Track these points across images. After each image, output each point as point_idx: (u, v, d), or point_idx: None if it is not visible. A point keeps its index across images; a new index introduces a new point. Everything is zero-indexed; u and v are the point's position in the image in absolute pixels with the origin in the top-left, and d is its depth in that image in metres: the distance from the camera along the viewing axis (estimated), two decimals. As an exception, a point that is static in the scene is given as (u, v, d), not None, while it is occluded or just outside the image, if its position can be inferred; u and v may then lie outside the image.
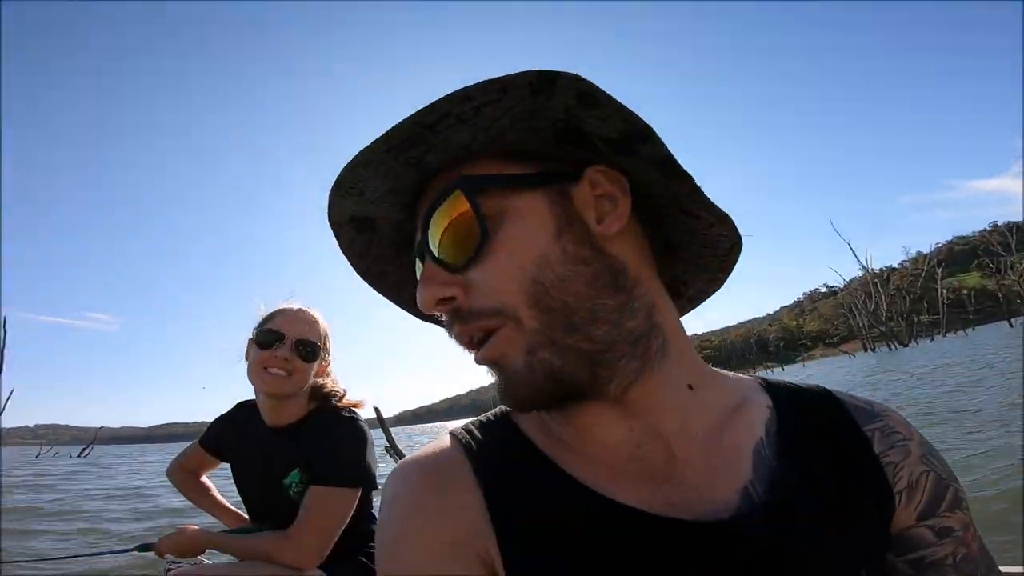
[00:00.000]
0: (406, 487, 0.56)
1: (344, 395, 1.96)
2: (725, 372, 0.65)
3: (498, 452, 0.57)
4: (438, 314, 0.55)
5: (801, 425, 0.59)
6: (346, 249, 0.63)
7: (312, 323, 1.91)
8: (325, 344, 1.94)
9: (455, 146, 0.52)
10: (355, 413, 1.91)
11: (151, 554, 1.89)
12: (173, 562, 1.85)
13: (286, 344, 1.82)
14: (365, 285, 0.67)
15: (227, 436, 2.07)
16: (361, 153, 0.51)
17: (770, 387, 0.64)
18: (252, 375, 1.84)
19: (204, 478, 2.23)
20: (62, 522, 7.61)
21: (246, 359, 1.89)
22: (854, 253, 76.83)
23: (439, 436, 0.61)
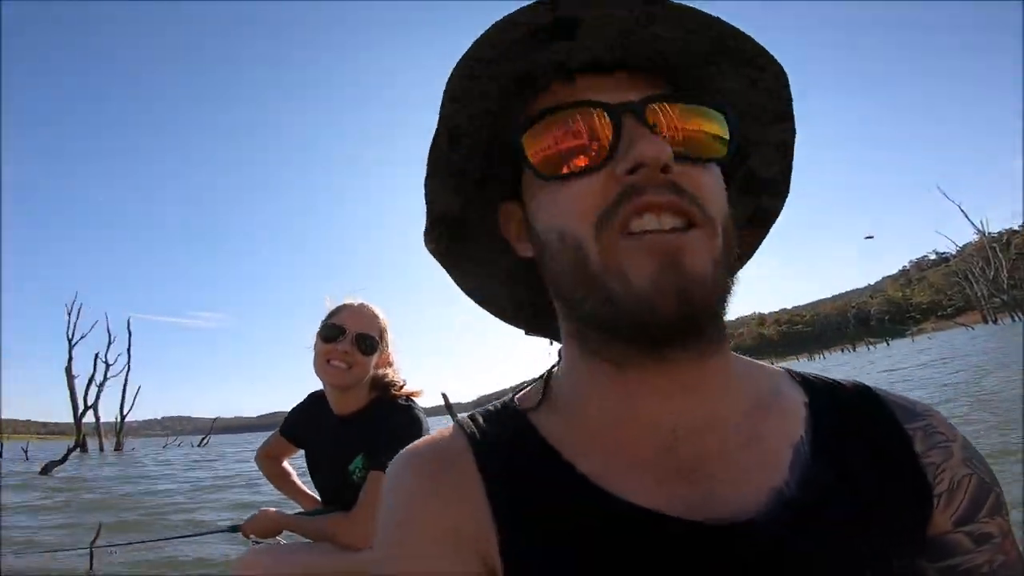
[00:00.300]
0: (408, 474, 0.57)
1: (403, 385, 2.05)
2: (757, 362, 0.63)
3: (503, 443, 0.57)
4: (633, 173, 0.48)
5: (838, 422, 0.57)
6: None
7: (372, 318, 2.01)
8: (384, 338, 2.04)
9: (727, 90, 0.57)
10: (412, 402, 2.00)
11: (239, 534, 2.08)
12: (256, 541, 2.02)
13: (347, 338, 1.93)
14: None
15: (302, 425, 2.23)
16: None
17: (805, 382, 0.61)
18: (317, 367, 1.97)
19: (285, 463, 2.41)
20: (176, 510, 8.43)
21: (314, 351, 2.01)
22: (967, 216, 69.56)
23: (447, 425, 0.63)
